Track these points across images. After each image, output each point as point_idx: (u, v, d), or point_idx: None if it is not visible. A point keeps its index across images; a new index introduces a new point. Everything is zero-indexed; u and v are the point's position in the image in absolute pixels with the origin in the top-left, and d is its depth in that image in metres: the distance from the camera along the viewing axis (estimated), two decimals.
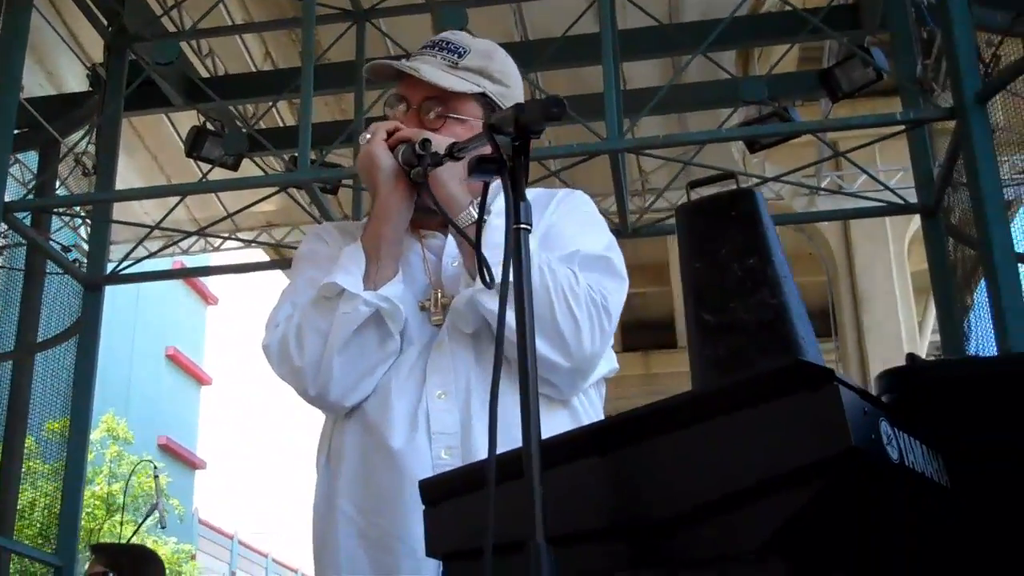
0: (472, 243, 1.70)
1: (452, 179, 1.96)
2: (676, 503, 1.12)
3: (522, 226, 1.19)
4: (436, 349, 2.02)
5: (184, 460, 31.20)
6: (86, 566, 4.55)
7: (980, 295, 6.49)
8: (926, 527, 1.20)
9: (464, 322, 1.99)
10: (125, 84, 7.40)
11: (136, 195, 8.15)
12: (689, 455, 1.11)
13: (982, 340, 6.15)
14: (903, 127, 6.93)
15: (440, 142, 1.93)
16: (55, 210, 7.74)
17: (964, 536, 1.24)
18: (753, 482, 1.10)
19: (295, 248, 10.28)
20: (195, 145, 7.76)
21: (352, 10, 7.53)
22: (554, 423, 2.01)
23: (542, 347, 1.91)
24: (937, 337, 15.93)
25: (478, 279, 1.91)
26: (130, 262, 7.65)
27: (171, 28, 7.91)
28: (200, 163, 7.87)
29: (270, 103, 8.36)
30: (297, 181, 6.44)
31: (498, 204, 2.13)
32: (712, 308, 1.20)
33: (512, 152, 1.19)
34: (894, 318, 13.36)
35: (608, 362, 2.06)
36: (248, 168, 8.17)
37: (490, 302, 1.91)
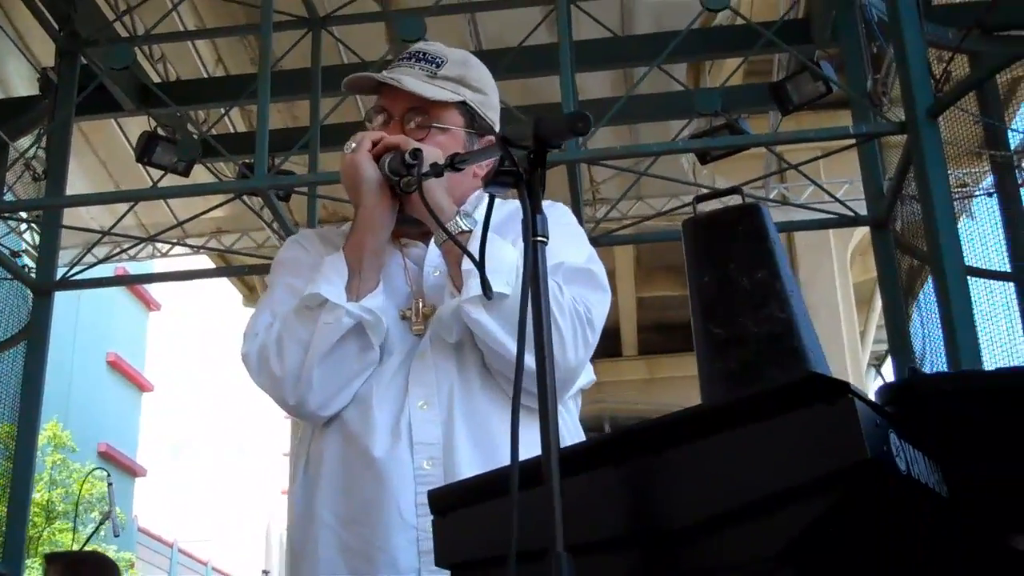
0: (470, 255, 1.70)
1: (438, 188, 1.96)
2: (691, 513, 1.14)
3: (539, 239, 1.20)
4: (418, 359, 2.02)
5: (124, 467, 30.77)
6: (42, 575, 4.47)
7: (922, 305, 6.61)
8: (929, 538, 1.23)
9: (448, 332, 1.99)
10: (77, 88, 7.32)
11: (90, 200, 8.08)
12: (705, 466, 1.13)
13: (929, 350, 6.25)
14: (853, 140, 7.05)
15: (429, 152, 1.94)
16: (3, 215, 7.62)
17: (962, 547, 1.28)
18: (768, 493, 1.12)
19: (245, 255, 10.24)
20: (146, 150, 7.65)
21: (308, 17, 7.52)
22: (534, 434, 2.03)
23: (525, 357, 1.92)
24: (878, 347, 16.20)
25: (465, 289, 1.93)
26: (82, 267, 7.57)
27: (123, 33, 7.84)
28: (149, 169, 7.81)
29: (222, 110, 8.31)
30: (254, 188, 6.42)
31: (479, 213, 2.15)
32: (721, 321, 1.22)
33: (528, 165, 1.20)
34: (837, 328, 13.55)
35: (586, 374, 2.08)
36: (198, 175, 8.12)
37: (475, 312, 1.92)
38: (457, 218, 1.98)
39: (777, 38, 7.01)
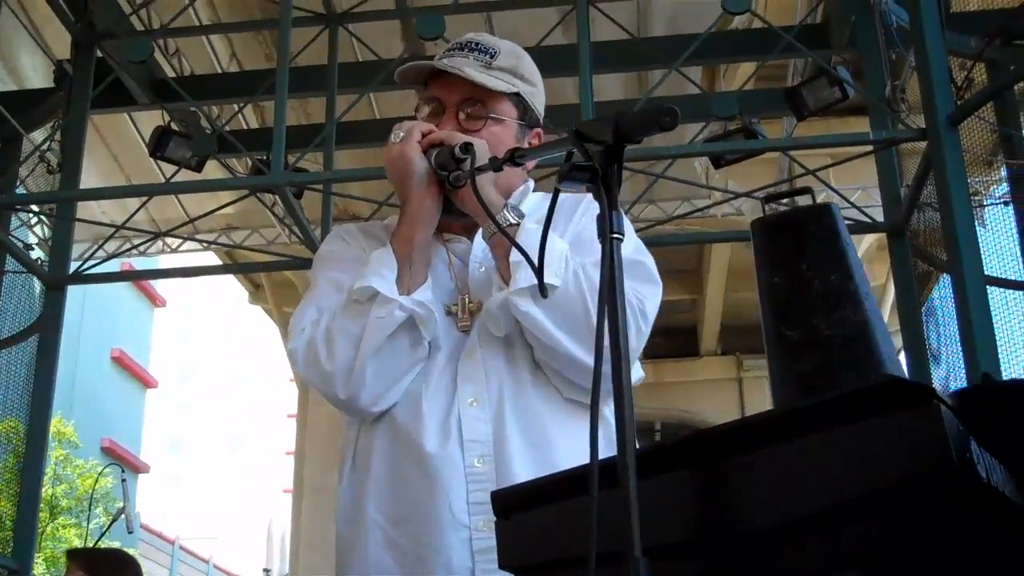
0: (521, 249, 1.68)
1: (487, 182, 1.94)
2: (767, 518, 1.11)
3: (615, 235, 1.17)
4: (466, 356, 2.00)
5: (127, 463, 30.79)
6: (64, 572, 4.45)
7: (937, 311, 6.59)
8: (1004, 547, 1.21)
9: (496, 325, 1.97)
10: (92, 81, 7.30)
11: (105, 194, 8.04)
12: (782, 470, 1.10)
13: (945, 357, 6.22)
14: (871, 147, 7.02)
15: (477, 146, 1.92)
16: (16, 208, 7.59)
17: None
18: (847, 498, 1.09)
19: (255, 251, 10.20)
20: (159, 145, 7.66)
21: (325, 14, 7.50)
22: (581, 430, 2.00)
23: (576, 350, 1.90)
24: None
25: (514, 281, 1.90)
26: (95, 261, 7.55)
27: (139, 27, 7.82)
28: (160, 164, 7.80)
29: (237, 105, 8.28)
30: (270, 184, 6.38)
31: (527, 206, 2.13)
32: (794, 323, 1.19)
33: (604, 161, 1.17)
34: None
35: (636, 371, 2.05)
36: (209, 171, 8.10)
37: (524, 304, 1.90)
38: (505, 211, 1.96)
39: (795, 42, 6.98)
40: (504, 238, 1.94)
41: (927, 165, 6.16)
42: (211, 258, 13.51)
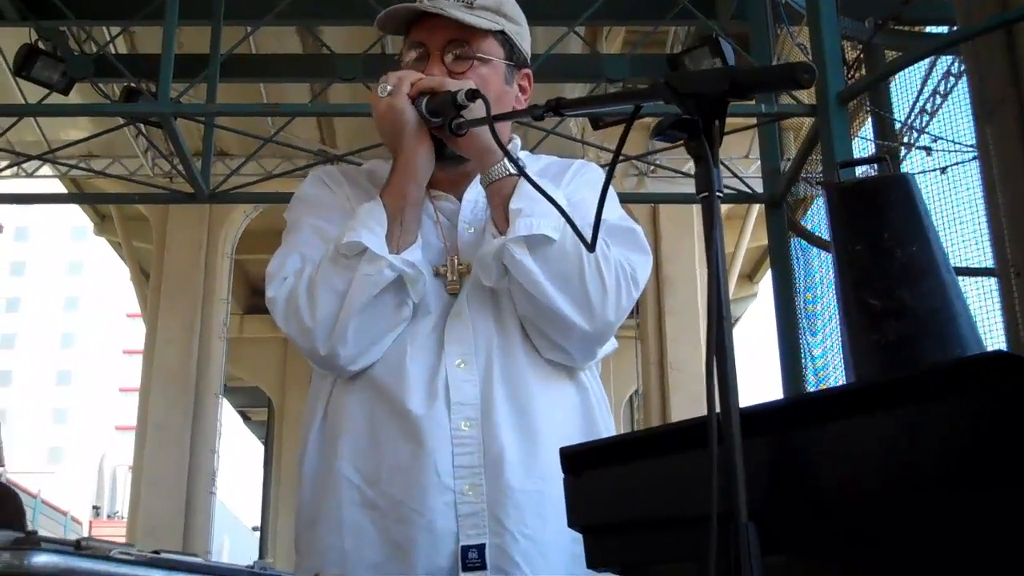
0: (552, 198, 1.63)
1: (484, 130, 1.89)
2: (853, 489, 1.10)
3: (718, 193, 1.14)
4: (454, 318, 1.95)
5: None
6: None
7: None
8: None
9: (487, 273, 1.92)
10: None
11: None
12: (869, 442, 1.09)
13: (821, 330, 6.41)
14: (755, 120, 7.16)
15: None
16: None
17: None
18: (939, 474, 1.09)
19: (113, 178, 9.75)
20: (25, 64, 7.31)
21: None
22: (562, 396, 1.99)
23: (565, 307, 1.88)
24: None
25: (512, 229, 1.86)
26: None
27: None
28: (21, 84, 7.44)
29: (107, 28, 7.95)
30: (158, 113, 6.12)
31: (520, 156, 2.09)
32: (877, 292, 1.18)
33: (702, 116, 1.14)
34: (694, 302, 13.89)
35: (611, 342, 2.04)
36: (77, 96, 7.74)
37: (519, 253, 1.86)
38: (504, 160, 1.91)
39: (691, 7, 7.05)
40: (503, 186, 1.90)
41: (812, 140, 6.31)
42: (56, 185, 13.00)
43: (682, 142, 1.20)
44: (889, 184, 1.27)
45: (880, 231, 1.22)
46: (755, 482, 1.13)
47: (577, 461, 1.26)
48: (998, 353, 1.07)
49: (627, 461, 1.21)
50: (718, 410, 1.12)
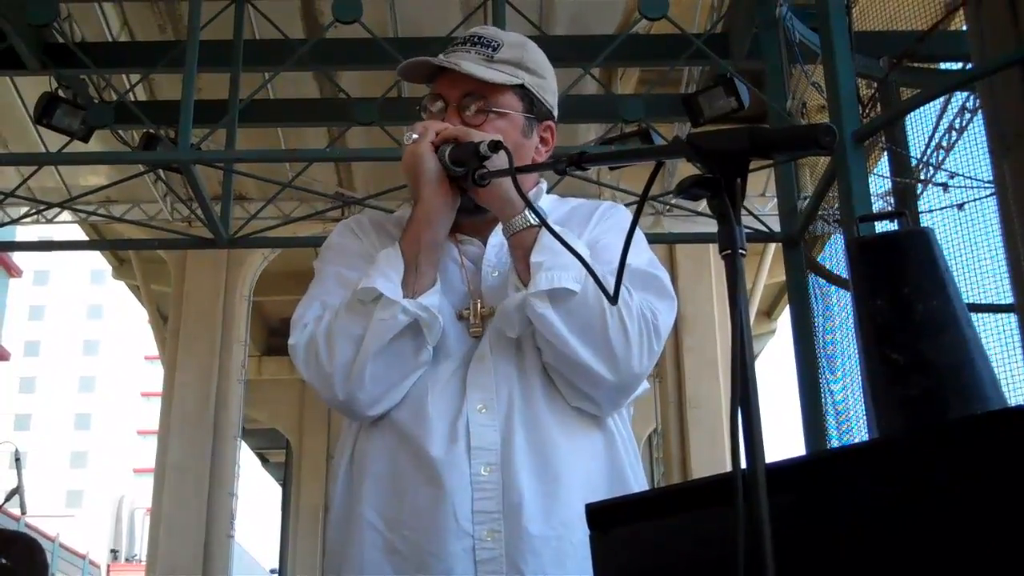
0: (570, 247, 1.64)
1: (505, 181, 1.91)
2: (886, 548, 1.11)
3: (741, 251, 1.15)
4: (476, 362, 1.96)
5: None
6: None
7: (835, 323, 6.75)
8: None
9: (510, 326, 1.93)
10: None
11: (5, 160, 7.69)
12: (898, 497, 1.10)
13: (843, 371, 6.38)
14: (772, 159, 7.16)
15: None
16: None
17: None
18: (975, 529, 1.09)
19: (130, 223, 9.85)
20: (46, 112, 7.38)
21: None
22: (586, 442, 1.99)
23: (588, 358, 1.88)
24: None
25: (533, 283, 1.87)
26: None
27: None
28: (43, 132, 7.51)
29: (127, 77, 8.03)
30: (178, 160, 6.18)
31: (547, 199, 2.12)
32: (899, 347, 1.19)
33: (725, 174, 1.15)
34: (712, 339, 13.86)
35: (643, 384, 2.04)
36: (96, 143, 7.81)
37: (541, 306, 1.87)
38: (525, 211, 1.93)
39: (705, 48, 7.08)
40: (525, 237, 1.91)
41: (829, 179, 6.30)
42: (77, 232, 13.05)
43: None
44: (909, 239, 1.28)
45: (902, 285, 1.23)
46: (781, 537, 1.14)
47: (603, 518, 1.27)
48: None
49: (656, 516, 1.22)
50: (743, 465, 1.12)
